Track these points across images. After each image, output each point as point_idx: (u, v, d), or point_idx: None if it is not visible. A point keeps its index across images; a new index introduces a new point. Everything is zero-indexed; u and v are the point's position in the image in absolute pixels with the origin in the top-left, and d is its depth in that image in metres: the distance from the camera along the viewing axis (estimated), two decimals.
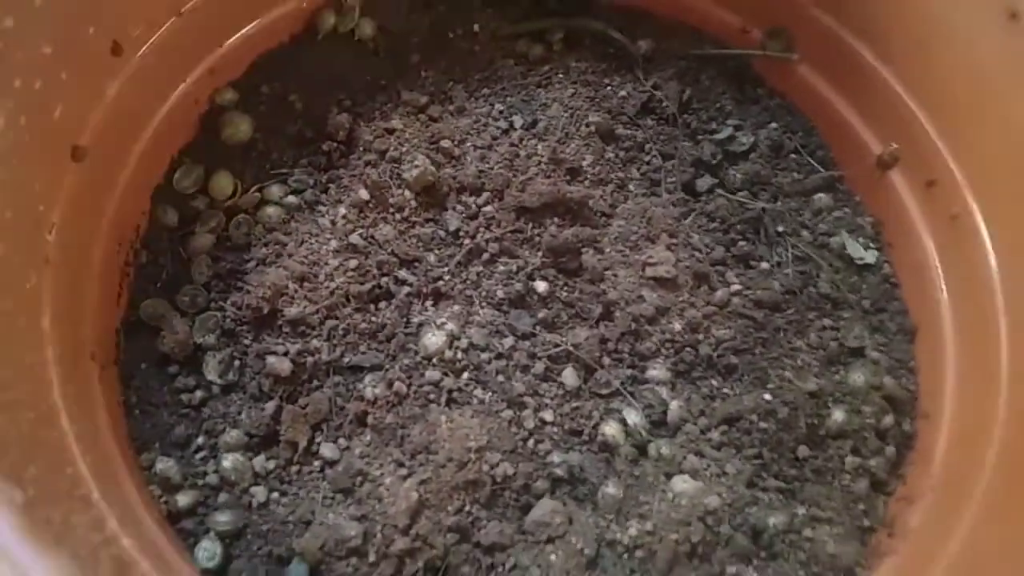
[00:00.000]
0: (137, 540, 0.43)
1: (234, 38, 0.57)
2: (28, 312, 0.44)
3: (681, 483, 0.51)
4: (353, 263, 0.54)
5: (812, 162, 0.62)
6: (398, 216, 0.56)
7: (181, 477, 0.49)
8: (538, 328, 0.55)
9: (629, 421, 0.52)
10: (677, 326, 0.55)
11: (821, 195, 0.61)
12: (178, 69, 0.55)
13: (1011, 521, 0.44)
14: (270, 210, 0.56)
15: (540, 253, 0.56)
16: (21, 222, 0.44)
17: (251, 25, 0.57)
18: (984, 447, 0.49)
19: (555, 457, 0.51)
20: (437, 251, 0.56)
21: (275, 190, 0.56)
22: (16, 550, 0.30)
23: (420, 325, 0.54)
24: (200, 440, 0.50)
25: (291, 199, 0.56)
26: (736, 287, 0.57)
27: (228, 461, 0.50)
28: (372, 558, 0.48)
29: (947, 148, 0.56)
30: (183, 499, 0.48)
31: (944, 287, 0.56)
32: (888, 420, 0.54)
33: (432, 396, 0.52)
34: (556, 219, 0.57)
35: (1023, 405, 0.48)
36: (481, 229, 0.56)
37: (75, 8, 0.46)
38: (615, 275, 0.56)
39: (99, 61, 0.49)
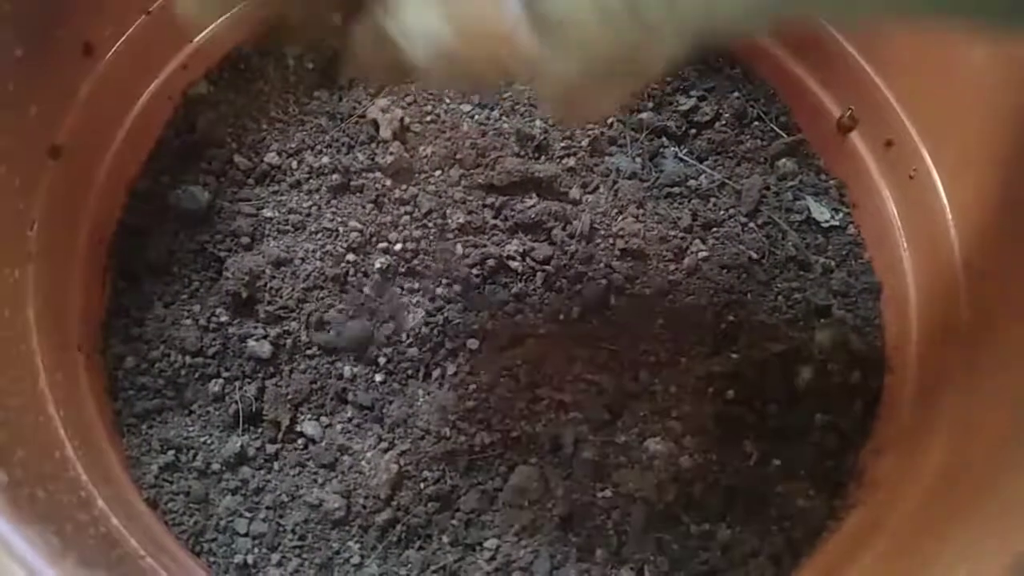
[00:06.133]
0: (126, 521, 0.45)
1: (204, 34, 0.58)
2: (13, 305, 0.46)
3: (654, 445, 0.53)
4: (328, 246, 0.55)
5: (775, 128, 0.63)
6: (371, 198, 0.57)
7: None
8: (512, 302, 0.56)
9: (603, 386, 0.54)
10: (648, 294, 0.56)
11: (785, 160, 0.62)
12: (150, 66, 0.56)
13: (970, 468, 0.46)
14: (245, 202, 0.57)
15: (511, 230, 0.58)
16: (3, 219, 0.46)
17: (219, 21, 0.58)
18: (945, 398, 0.50)
19: (531, 425, 0.53)
20: (410, 231, 0.57)
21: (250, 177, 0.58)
22: None
23: (396, 304, 0.55)
24: (187, 423, 0.52)
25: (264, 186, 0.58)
26: (704, 253, 0.58)
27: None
28: (355, 529, 0.50)
29: (902, 108, 0.57)
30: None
31: (906, 244, 0.57)
32: (855, 376, 0.56)
33: (410, 372, 0.54)
34: (525, 196, 0.59)
35: (981, 357, 0.49)
36: (453, 208, 0.58)
37: (44, 11, 0.47)
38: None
39: (71, 61, 0.51)
